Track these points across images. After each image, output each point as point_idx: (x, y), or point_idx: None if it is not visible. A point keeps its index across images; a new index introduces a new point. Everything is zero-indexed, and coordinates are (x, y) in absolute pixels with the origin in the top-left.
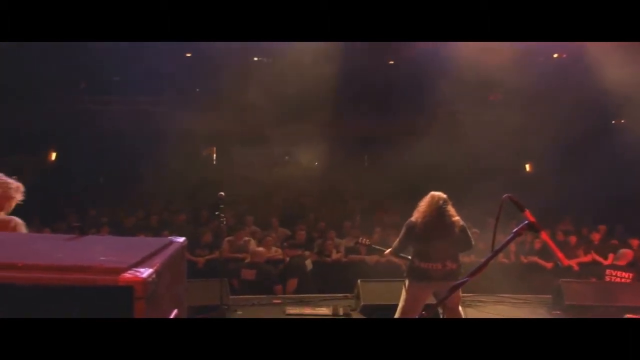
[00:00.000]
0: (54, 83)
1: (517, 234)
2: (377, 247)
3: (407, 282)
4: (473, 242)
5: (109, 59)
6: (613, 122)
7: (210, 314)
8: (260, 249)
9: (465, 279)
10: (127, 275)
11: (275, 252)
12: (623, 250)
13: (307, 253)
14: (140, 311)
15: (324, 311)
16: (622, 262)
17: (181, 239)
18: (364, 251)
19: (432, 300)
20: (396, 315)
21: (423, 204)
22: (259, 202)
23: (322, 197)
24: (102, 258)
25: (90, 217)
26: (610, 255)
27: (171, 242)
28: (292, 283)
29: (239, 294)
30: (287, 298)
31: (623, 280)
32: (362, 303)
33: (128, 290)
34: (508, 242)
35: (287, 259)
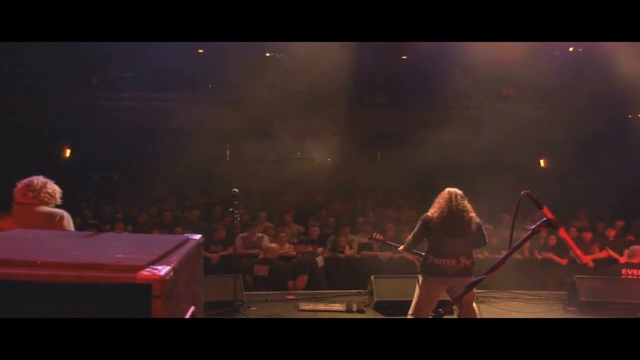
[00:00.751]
0: (66, 80)
1: (536, 231)
2: (390, 242)
3: (420, 278)
4: (488, 240)
5: (119, 56)
6: (629, 116)
7: (224, 310)
8: (273, 245)
9: (482, 276)
10: (145, 272)
11: (289, 248)
12: (634, 247)
13: (320, 249)
14: (159, 309)
15: (337, 307)
16: (636, 260)
17: (197, 236)
18: (377, 247)
19: (445, 296)
20: (410, 312)
21: (440, 200)
22: (272, 198)
23: (334, 193)
24: (119, 255)
25: (105, 214)
26: (626, 252)
27: (188, 239)
28: (302, 279)
29: (252, 290)
30: (300, 294)
31: (639, 278)
32: (375, 299)
33: (146, 288)
34: (526, 239)
35: (299, 255)
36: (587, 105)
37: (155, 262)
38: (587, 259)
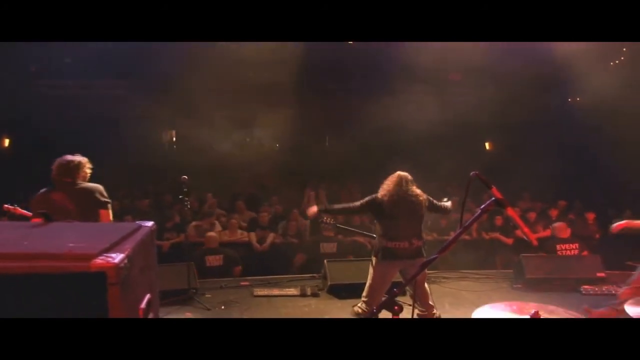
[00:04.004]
0: (2, 67)
1: (485, 210)
2: (341, 226)
3: (374, 261)
4: (449, 206)
5: (60, 43)
6: (569, 99)
7: (178, 298)
8: (212, 234)
9: (435, 256)
10: (99, 261)
11: (242, 235)
12: (556, 225)
13: (271, 234)
14: (114, 297)
15: (291, 292)
16: (564, 235)
17: (150, 224)
18: (329, 230)
19: (398, 277)
20: (364, 294)
21: (389, 182)
22: (222, 184)
23: (284, 178)
24: (71, 245)
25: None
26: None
27: (140, 227)
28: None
29: (206, 277)
30: (255, 280)
31: (571, 252)
32: (329, 282)
33: (100, 276)
34: (476, 218)
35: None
36: (529, 89)
37: (109, 250)
38: (534, 237)
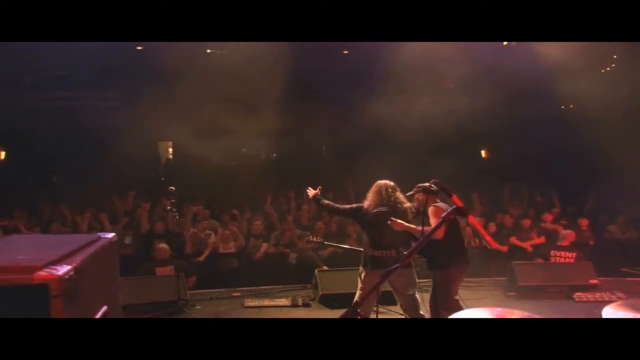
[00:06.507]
0: None
1: (446, 218)
2: (328, 243)
3: (362, 272)
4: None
5: (52, 53)
6: (562, 107)
7: (168, 310)
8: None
9: (396, 265)
10: (42, 273)
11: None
12: (565, 232)
13: (264, 245)
14: (58, 309)
15: (283, 302)
16: (565, 243)
17: (110, 235)
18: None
19: (387, 287)
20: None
21: (371, 194)
22: (217, 195)
23: (279, 188)
24: (20, 257)
25: (44, 215)
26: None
27: (98, 238)
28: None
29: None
30: (245, 291)
31: (567, 260)
32: (320, 292)
33: (44, 289)
34: (437, 226)
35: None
36: (522, 97)
37: (56, 262)
38: (497, 245)
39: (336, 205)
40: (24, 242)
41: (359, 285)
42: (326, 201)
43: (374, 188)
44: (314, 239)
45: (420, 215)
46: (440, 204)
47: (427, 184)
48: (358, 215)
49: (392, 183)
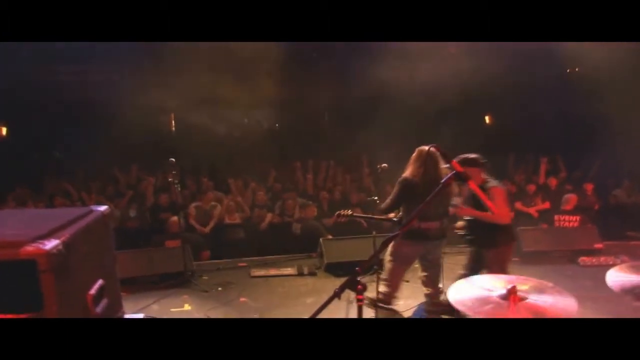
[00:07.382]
0: None
1: (445, 184)
2: (359, 215)
3: (400, 244)
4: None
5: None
6: (567, 70)
7: (175, 281)
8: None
9: (397, 233)
10: (29, 248)
11: (242, 214)
12: (568, 196)
13: (268, 214)
14: (48, 284)
15: (289, 271)
16: (568, 207)
17: (103, 208)
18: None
19: (363, 256)
20: (384, 276)
21: (417, 162)
22: (220, 166)
23: (282, 158)
24: (8, 232)
25: (47, 189)
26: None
27: (90, 212)
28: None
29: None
30: (252, 261)
31: (571, 224)
32: (325, 261)
33: (31, 264)
34: (437, 192)
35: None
36: (527, 61)
37: (44, 237)
38: (498, 211)
39: (390, 202)
40: (13, 217)
41: (391, 256)
42: (377, 216)
43: (421, 156)
44: (345, 213)
45: (464, 190)
46: (499, 185)
47: (474, 156)
48: (406, 190)
49: (433, 149)
